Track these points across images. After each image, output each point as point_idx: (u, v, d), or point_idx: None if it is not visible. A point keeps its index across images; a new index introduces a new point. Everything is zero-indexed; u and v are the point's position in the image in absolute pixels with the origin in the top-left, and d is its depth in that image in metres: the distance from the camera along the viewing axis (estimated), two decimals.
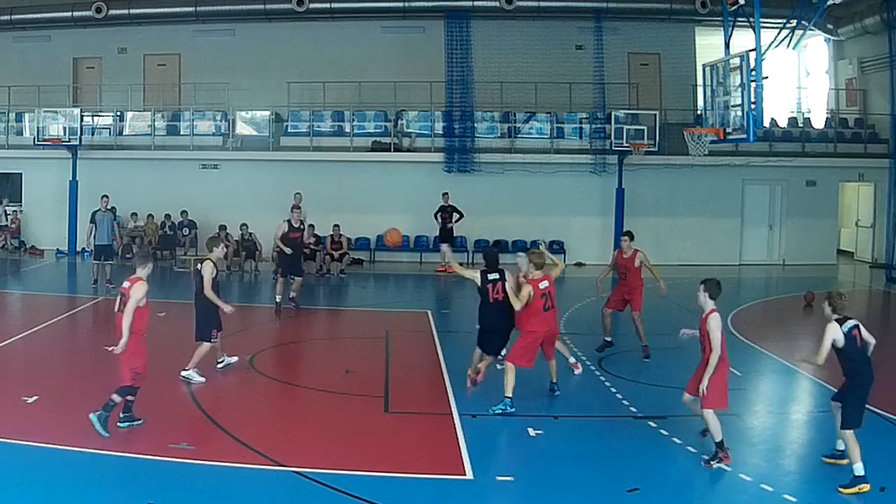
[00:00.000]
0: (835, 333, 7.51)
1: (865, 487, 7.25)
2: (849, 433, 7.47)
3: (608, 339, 12.28)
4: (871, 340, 7.79)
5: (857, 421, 7.55)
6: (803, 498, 7.10)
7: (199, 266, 10.82)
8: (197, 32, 24.43)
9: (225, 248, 11.56)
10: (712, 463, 7.76)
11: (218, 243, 10.90)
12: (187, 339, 12.94)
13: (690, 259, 21.80)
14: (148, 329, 8.65)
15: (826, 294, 7.82)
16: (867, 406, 9.60)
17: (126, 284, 8.53)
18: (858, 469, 7.32)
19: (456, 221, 21.44)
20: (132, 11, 23.68)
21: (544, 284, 9.67)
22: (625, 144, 21.83)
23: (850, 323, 7.59)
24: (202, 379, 10.32)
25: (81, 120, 22.18)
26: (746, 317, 15.33)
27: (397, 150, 23.06)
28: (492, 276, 9.83)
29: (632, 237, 12.55)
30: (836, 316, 7.61)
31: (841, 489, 7.26)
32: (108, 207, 17.82)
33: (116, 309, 8.58)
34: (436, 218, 21.53)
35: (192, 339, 10.56)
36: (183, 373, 10.40)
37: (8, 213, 23.20)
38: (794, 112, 24.46)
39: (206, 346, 10.46)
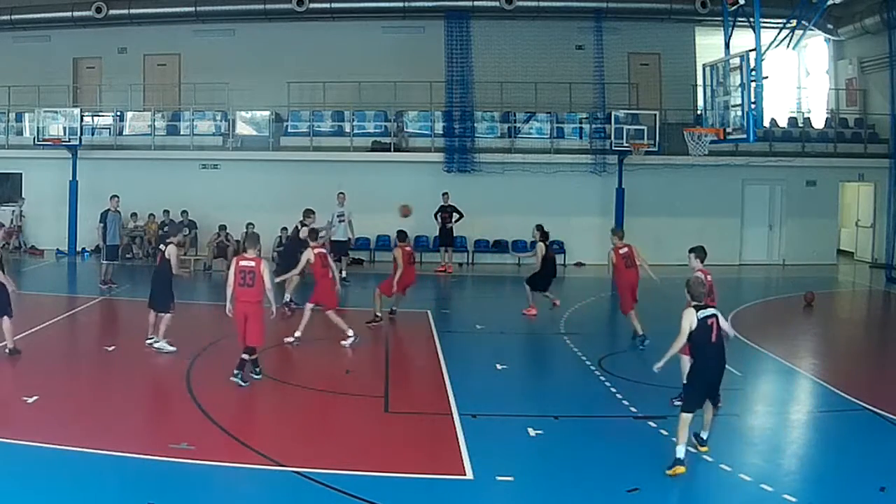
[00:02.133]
0: (690, 318, 7.74)
1: (680, 469, 7.53)
2: (683, 416, 7.67)
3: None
4: (730, 331, 8.08)
5: (688, 404, 7.77)
6: (803, 498, 7.09)
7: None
8: (197, 32, 24.42)
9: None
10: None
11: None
12: (187, 339, 12.99)
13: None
14: None
15: (686, 281, 8.09)
16: (867, 406, 9.72)
17: (251, 263, 10.16)
18: (679, 451, 7.57)
19: (456, 221, 21.45)
20: (132, 11, 23.68)
21: (624, 251, 12.84)
22: (625, 144, 21.82)
23: (707, 312, 7.81)
24: (173, 349, 11.58)
25: (81, 120, 22.15)
26: (747, 317, 15.31)
27: (397, 150, 23.07)
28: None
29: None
30: (694, 303, 7.87)
31: (667, 471, 7.53)
32: (117, 208, 17.94)
33: (239, 284, 10.14)
34: (436, 218, 21.54)
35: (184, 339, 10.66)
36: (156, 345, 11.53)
37: (24, 214, 23.06)
38: (794, 112, 24.47)
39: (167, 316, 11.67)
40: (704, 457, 7.93)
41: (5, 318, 11.15)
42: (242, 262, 10.27)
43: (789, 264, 23.43)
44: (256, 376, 10.35)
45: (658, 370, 8.00)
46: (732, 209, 23.35)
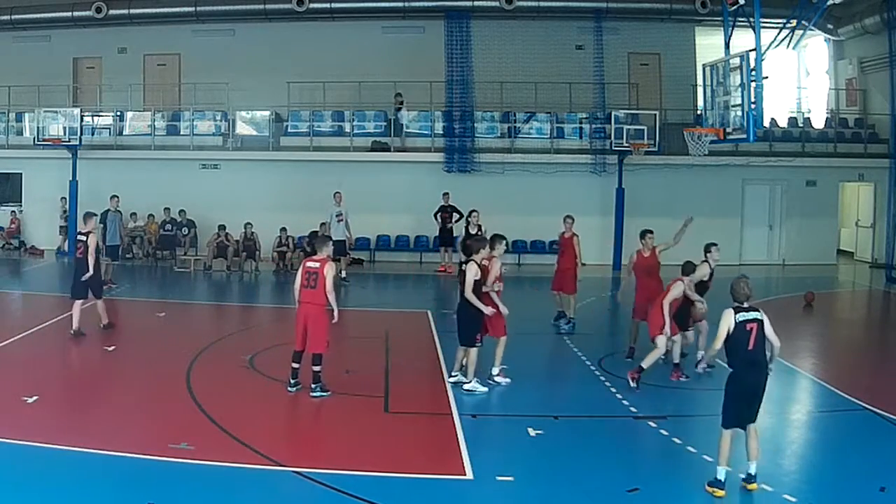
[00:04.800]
0: (728, 320, 7.16)
1: (719, 493, 7.08)
2: (723, 432, 7.21)
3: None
4: (775, 342, 7.32)
5: (725, 419, 7.21)
6: (803, 498, 7.09)
7: (463, 267, 10.30)
8: (197, 32, 24.44)
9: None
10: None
11: (483, 244, 10.38)
12: (187, 339, 12.99)
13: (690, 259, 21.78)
14: None
15: (734, 281, 7.41)
16: (867, 406, 9.71)
17: (315, 264, 9.75)
18: (719, 472, 7.15)
19: (456, 222, 21.44)
20: (132, 11, 23.70)
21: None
22: (625, 144, 21.83)
23: (748, 315, 7.18)
24: (485, 389, 10.16)
25: (81, 120, 22.14)
26: None
27: (398, 150, 23.06)
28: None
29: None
30: (735, 304, 7.29)
31: (706, 486, 7.19)
32: (117, 208, 17.95)
33: (303, 286, 9.75)
34: (435, 218, 21.53)
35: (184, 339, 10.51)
36: (465, 387, 10.13)
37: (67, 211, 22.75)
38: (794, 112, 24.47)
39: (474, 351, 10.16)
40: (704, 456, 7.91)
41: (99, 301, 12.61)
42: (309, 263, 9.87)
43: (789, 264, 23.43)
44: (291, 388, 9.86)
45: (703, 370, 7.56)
46: (732, 209, 23.34)
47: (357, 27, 24.36)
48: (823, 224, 23.77)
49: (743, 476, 7.24)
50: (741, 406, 7.15)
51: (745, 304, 7.26)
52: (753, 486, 7.23)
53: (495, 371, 10.59)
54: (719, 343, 7.24)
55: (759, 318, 7.19)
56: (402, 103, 23.19)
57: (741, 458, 7.97)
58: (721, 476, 7.14)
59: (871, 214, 23.99)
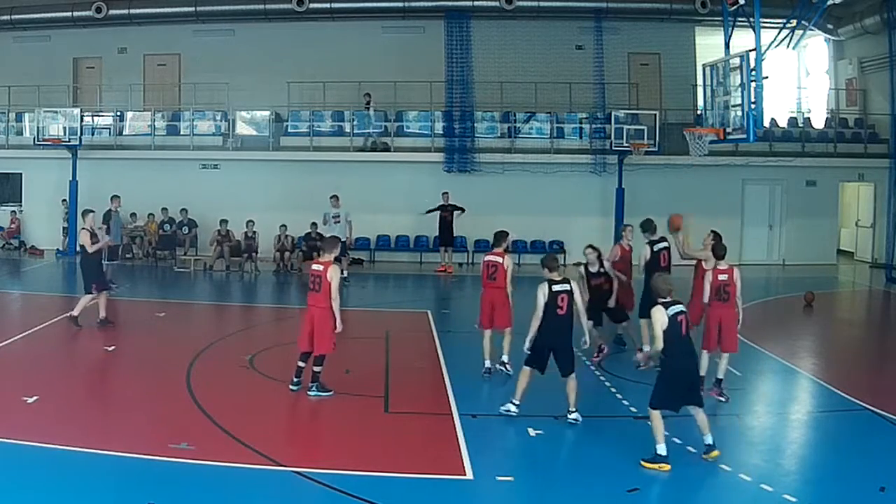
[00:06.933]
0: (661, 316, 7.67)
1: (665, 467, 7.60)
2: (653, 412, 7.77)
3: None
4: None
5: (657, 401, 7.79)
6: (803, 498, 7.09)
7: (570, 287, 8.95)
8: (197, 32, 24.42)
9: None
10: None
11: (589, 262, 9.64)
12: (187, 339, 12.99)
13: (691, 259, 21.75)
14: None
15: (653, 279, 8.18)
16: (867, 406, 9.71)
17: (319, 267, 9.76)
18: (660, 448, 7.65)
19: (457, 217, 21.39)
20: (132, 11, 23.69)
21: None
22: (625, 144, 21.82)
23: (676, 308, 7.75)
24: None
25: (81, 120, 22.14)
26: (746, 317, 15.23)
27: (385, 149, 23.06)
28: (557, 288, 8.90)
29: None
30: (661, 300, 7.80)
31: (643, 462, 7.66)
32: (118, 208, 17.99)
33: (309, 289, 9.84)
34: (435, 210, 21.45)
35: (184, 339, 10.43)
36: (570, 416, 9.02)
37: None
38: (794, 112, 24.45)
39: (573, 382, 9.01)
40: (704, 457, 7.91)
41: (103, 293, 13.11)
42: (313, 266, 9.93)
43: (789, 264, 23.43)
44: (294, 387, 9.90)
45: (642, 365, 8.30)
46: (732, 209, 23.31)
47: (357, 27, 24.35)
48: (823, 224, 23.75)
49: (705, 449, 7.82)
50: (678, 390, 7.72)
51: (669, 299, 7.81)
52: (714, 453, 7.77)
53: (506, 359, 10.92)
54: (661, 343, 7.68)
55: (685, 309, 7.86)
56: (368, 103, 23.16)
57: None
58: (662, 451, 7.65)
59: (871, 214, 23.97)
